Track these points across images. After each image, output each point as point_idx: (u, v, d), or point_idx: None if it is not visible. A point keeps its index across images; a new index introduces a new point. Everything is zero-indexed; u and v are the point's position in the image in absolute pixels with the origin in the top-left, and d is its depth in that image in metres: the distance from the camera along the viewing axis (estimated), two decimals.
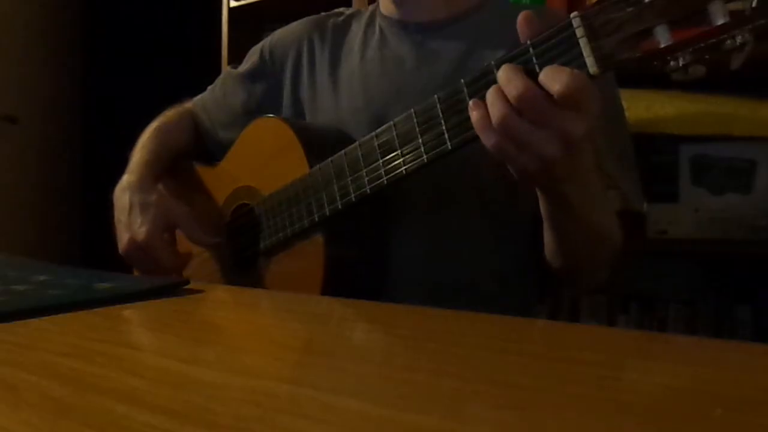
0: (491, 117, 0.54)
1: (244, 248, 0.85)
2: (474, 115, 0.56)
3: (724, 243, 1.34)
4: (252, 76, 0.95)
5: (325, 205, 0.71)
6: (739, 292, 1.43)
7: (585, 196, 0.61)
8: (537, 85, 0.52)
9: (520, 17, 0.55)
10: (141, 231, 0.77)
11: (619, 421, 0.25)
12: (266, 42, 0.96)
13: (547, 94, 0.52)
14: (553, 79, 0.52)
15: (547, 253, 0.73)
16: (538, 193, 0.64)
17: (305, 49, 0.90)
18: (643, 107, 1.24)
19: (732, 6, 0.47)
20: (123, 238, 0.79)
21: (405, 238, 0.77)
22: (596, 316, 1.49)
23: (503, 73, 0.54)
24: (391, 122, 0.65)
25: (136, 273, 0.87)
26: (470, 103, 0.56)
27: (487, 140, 0.55)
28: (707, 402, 0.28)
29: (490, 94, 0.54)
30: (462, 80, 0.59)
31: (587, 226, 0.65)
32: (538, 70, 0.54)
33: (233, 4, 1.89)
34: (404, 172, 0.64)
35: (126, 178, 0.84)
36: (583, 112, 0.52)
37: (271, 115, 0.84)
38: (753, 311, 1.39)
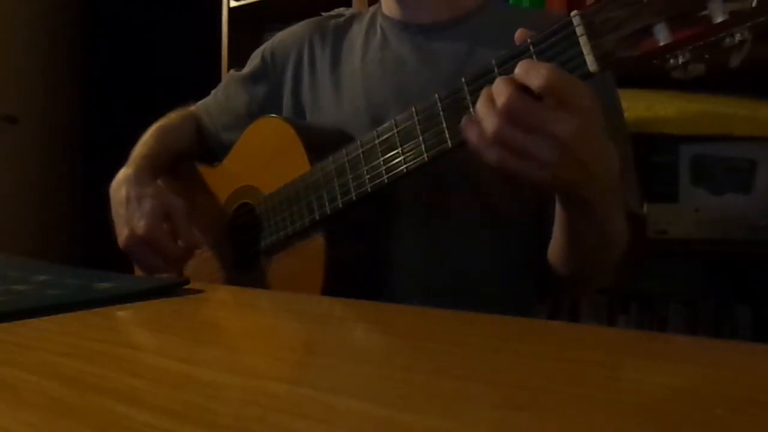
0: (486, 132, 0.53)
1: (245, 247, 0.85)
2: (471, 135, 0.55)
3: (724, 243, 1.34)
4: (254, 78, 0.95)
5: (326, 203, 0.71)
6: (739, 292, 1.43)
7: (605, 202, 0.60)
8: (524, 92, 0.52)
9: (517, 34, 0.56)
10: (141, 225, 0.77)
11: (619, 421, 0.25)
12: (268, 44, 0.96)
13: (534, 100, 0.52)
14: (530, 74, 0.51)
15: (552, 257, 0.73)
16: (557, 198, 0.63)
17: (306, 50, 0.90)
18: (643, 107, 1.24)
19: (731, 4, 0.47)
20: (122, 233, 0.79)
21: (405, 237, 0.77)
22: (596, 316, 1.49)
23: (493, 86, 0.53)
24: (392, 120, 0.65)
25: (137, 269, 0.87)
26: (463, 121, 0.56)
27: (489, 156, 0.54)
28: (707, 402, 0.28)
29: (480, 110, 0.54)
30: (462, 79, 0.59)
31: (603, 233, 0.64)
32: None
33: (233, 4, 1.89)
34: (405, 170, 0.64)
35: (123, 171, 0.84)
36: (571, 108, 0.52)
37: (272, 115, 0.84)
38: (753, 311, 1.39)
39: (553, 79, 0.51)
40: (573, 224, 0.65)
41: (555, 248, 0.71)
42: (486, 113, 0.53)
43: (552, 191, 0.62)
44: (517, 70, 0.53)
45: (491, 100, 0.53)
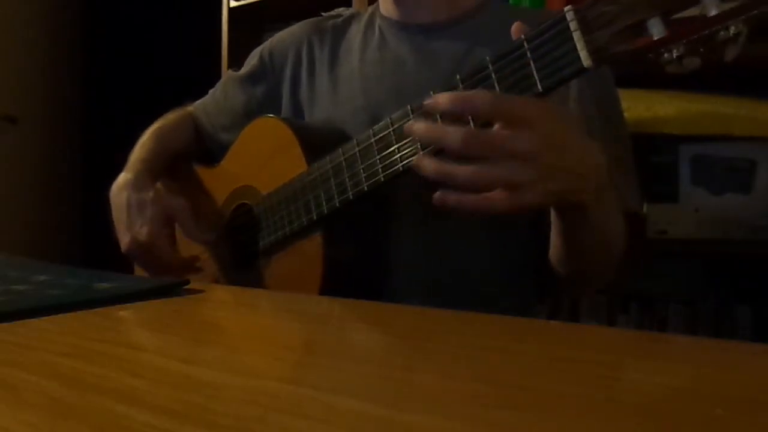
0: (459, 182, 0.53)
1: (243, 247, 0.85)
2: (448, 200, 0.54)
3: (724, 243, 1.34)
4: (252, 78, 0.95)
5: (323, 202, 0.71)
6: (739, 292, 1.43)
7: (600, 203, 0.60)
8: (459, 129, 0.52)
9: (513, 28, 0.56)
10: (142, 231, 0.77)
11: (619, 421, 0.25)
12: (266, 45, 0.96)
13: (483, 129, 0.52)
14: (464, 104, 0.53)
15: (553, 260, 0.73)
16: (552, 206, 0.63)
17: (305, 50, 0.90)
18: (643, 107, 1.24)
19: None
20: (124, 239, 0.79)
21: (404, 237, 0.77)
22: (596, 316, 1.49)
23: (453, 134, 0.53)
24: (388, 118, 0.65)
25: (137, 271, 0.87)
26: (436, 196, 0.54)
27: (484, 207, 0.54)
28: (707, 402, 0.28)
29: (429, 170, 0.54)
30: (457, 76, 0.59)
31: (600, 234, 0.65)
32: (533, 65, 0.54)
33: (233, 4, 1.89)
34: (401, 168, 0.64)
35: (123, 176, 0.84)
36: (524, 123, 0.52)
37: (270, 115, 0.84)
38: (753, 311, 1.39)
39: (487, 100, 0.51)
40: (569, 229, 0.66)
41: (554, 252, 0.71)
42: (448, 169, 0.53)
43: (552, 205, 0.62)
44: (446, 106, 0.53)
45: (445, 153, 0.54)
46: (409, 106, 0.63)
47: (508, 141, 0.51)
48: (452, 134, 0.53)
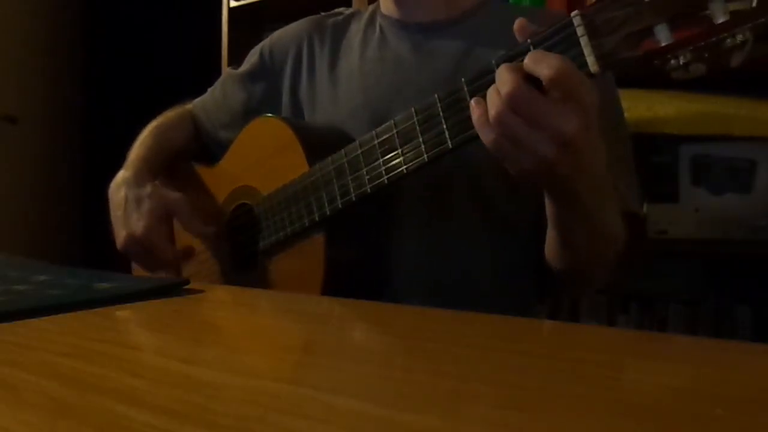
0: (489, 115, 0.54)
1: (243, 248, 0.85)
2: (475, 112, 0.55)
3: (724, 243, 1.34)
4: (252, 76, 0.95)
5: (326, 204, 0.71)
6: (739, 292, 1.43)
7: (594, 194, 0.60)
8: (530, 83, 0.52)
9: (515, 25, 0.56)
10: (138, 225, 0.77)
11: (619, 421, 0.25)
12: (266, 42, 0.96)
13: (539, 93, 0.52)
14: (541, 63, 0.51)
15: (549, 254, 0.73)
16: (545, 192, 0.63)
17: (305, 48, 0.90)
18: (643, 107, 1.24)
19: (732, 5, 0.47)
20: (120, 234, 0.79)
21: (405, 238, 0.77)
22: (596, 316, 1.49)
23: (499, 72, 0.54)
24: (392, 121, 0.65)
25: (135, 269, 0.87)
26: (472, 101, 0.56)
27: (485, 137, 0.55)
28: (707, 402, 0.28)
29: (489, 93, 0.54)
30: (462, 79, 0.59)
31: (594, 226, 0.65)
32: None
33: (233, 4, 1.89)
34: (405, 171, 0.64)
35: (121, 174, 0.84)
36: (577, 104, 0.52)
37: (270, 115, 0.84)
38: (753, 311, 1.39)
39: (563, 71, 0.51)
40: (563, 219, 0.66)
41: (549, 245, 0.72)
42: (492, 97, 0.54)
43: (543, 184, 0.62)
44: (526, 60, 0.53)
45: (496, 86, 0.54)
46: (413, 109, 0.63)
47: (554, 114, 0.52)
48: (509, 76, 0.52)
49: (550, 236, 0.70)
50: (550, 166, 0.54)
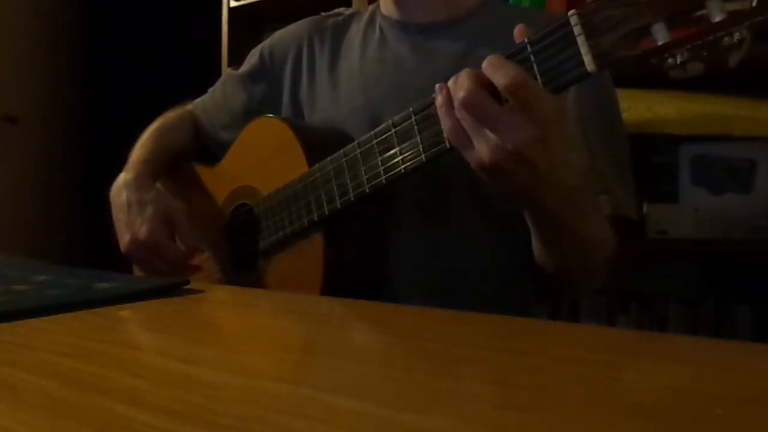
0: (453, 100, 0.55)
1: (243, 248, 0.85)
2: (437, 98, 0.57)
3: (724, 243, 1.34)
4: (252, 76, 0.95)
5: (324, 204, 0.71)
6: (739, 292, 1.43)
7: (569, 206, 0.61)
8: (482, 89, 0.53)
9: (516, 31, 0.56)
10: (142, 230, 0.77)
11: (619, 421, 0.25)
12: (266, 43, 0.96)
13: (492, 100, 0.53)
14: (498, 71, 0.52)
15: (537, 259, 0.73)
16: (525, 207, 0.64)
17: (305, 49, 0.90)
18: (643, 107, 1.23)
19: (730, 4, 0.47)
20: (124, 238, 0.79)
21: (403, 237, 0.77)
22: (596, 316, 1.49)
23: (460, 75, 0.55)
24: (390, 121, 0.65)
25: (137, 271, 0.87)
26: (436, 86, 0.58)
27: (443, 121, 0.57)
28: (707, 402, 0.28)
29: (450, 84, 0.56)
30: None
31: (576, 240, 0.65)
32: (536, 68, 0.54)
33: (233, 4, 1.89)
34: (403, 170, 0.64)
35: (123, 176, 0.84)
36: (531, 116, 0.52)
37: (270, 115, 0.84)
38: (753, 311, 1.39)
39: (518, 81, 0.51)
40: (543, 233, 0.67)
41: (535, 251, 0.72)
42: (452, 89, 0.56)
43: (502, 189, 0.62)
44: (484, 64, 0.54)
45: (457, 82, 0.55)
46: (411, 108, 0.63)
47: (504, 124, 0.53)
48: (466, 82, 0.54)
49: (534, 243, 0.71)
50: (503, 172, 0.55)
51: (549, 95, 0.53)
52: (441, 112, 0.57)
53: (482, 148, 0.54)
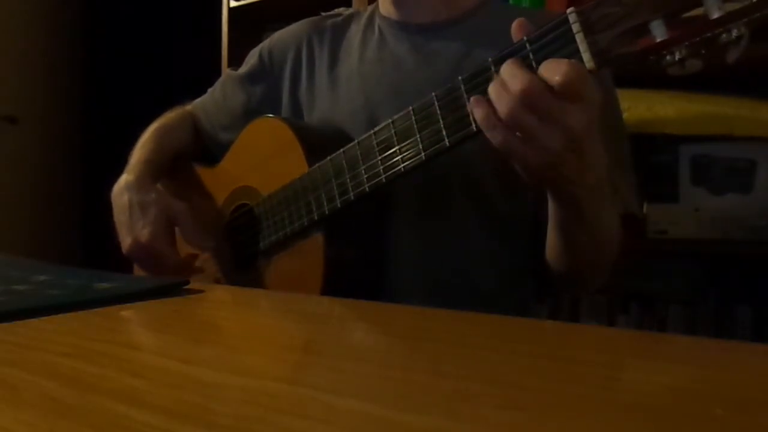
0: (498, 113, 0.54)
1: (243, 248, 0.85)
2: (478, 112, 0.55)
3: (724, 243, 1.34)
4: (251, 77, 0.95)
5: (324, 203, 0.71)
6: (739, 292, 1.43)
7: (594, 196, 0.61)
8: (539, 79, 0.52)
9: (514, 24, 0.56)
10: (144, 232, 0.77)
11: (620, 421, 0.25)
12: (265, 43, 0.96)
13: (550, 88, 0.52)
14: (554, 70, 0.52)
15: (549, 256, 0.73)
16: (549, 195, 0.64)
17: (304, 49, 0.90)
18: (643, 107, 1.23)
19: (729, 6, 0.47)
20: (126, 240, 0.79)
21: (404, 237, 0.77)
22: (596, 316, 1.49)
23: (507, 69, 0.54)
24: (389, 120, 0.65)
25: (137, 271, 0.87)
26: (471, 100, 0.56)
27: (495, 137, 0.55)
28: (707, 402, 0.28)
29: (494, 91, 0.54)
30: (459, 77, 0.59)
31: (594, 230, 0.65)
32: (535, 65, 0.54)
33: (233, 4, 1.89)
34: (402, 169, 0.64)
35: (124, 178, 0.84)
36: (584, 103, 0.52)
37: (270, 115, 0.84)
38: (753, 311, 1.39)
39: (573, 75, 0.51)
40: (565, 224, 0.66)
41: (550, 247, 0.72)
42: (500, 95, 0.54)
43: (548, 184, 0.62)
44: (541, 70, 0.53)
45: (504, 84, 0.54)
46: (411, 108, 0.63)
47: (566, 112, 0.52)
48: (521, 73, 0.53)
49: (551, 238, 0.70)
50: (557, 164, 0.54)
51: (591, 78, 0.53)
52: (487, 126, 0.54)
53: (544, 142, 0.53)
